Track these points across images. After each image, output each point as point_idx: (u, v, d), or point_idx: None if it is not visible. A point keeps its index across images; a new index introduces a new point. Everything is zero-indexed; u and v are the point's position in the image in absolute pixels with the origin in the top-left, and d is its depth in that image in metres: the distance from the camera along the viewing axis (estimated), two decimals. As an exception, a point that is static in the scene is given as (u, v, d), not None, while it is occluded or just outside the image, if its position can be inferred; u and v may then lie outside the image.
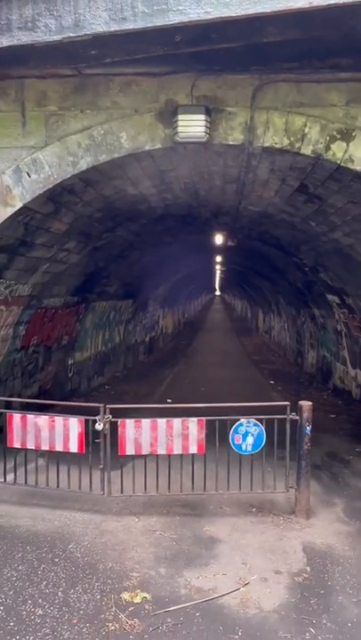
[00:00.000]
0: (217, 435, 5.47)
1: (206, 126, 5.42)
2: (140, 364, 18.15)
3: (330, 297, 12.32)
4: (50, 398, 10.34)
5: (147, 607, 3.95)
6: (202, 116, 5.40)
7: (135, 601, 4.02)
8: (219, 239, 12.41)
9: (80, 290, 10.48)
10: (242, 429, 5.37)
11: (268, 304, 23.84)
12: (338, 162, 5.53)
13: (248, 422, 5.38)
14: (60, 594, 4.10)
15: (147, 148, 5.68)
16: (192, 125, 5.42)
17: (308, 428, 5.34)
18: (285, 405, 5.46)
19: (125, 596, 4.08)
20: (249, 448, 5.40)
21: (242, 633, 3.69)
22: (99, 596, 4.07)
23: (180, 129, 5.42)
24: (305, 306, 15.63)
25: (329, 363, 14.12)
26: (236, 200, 8.34)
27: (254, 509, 5.75)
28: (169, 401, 11.88)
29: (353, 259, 8.70)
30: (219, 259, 17.63)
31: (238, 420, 5.42)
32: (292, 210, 8.12)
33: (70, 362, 11.57)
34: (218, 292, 74.70)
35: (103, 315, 13.52)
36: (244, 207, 8.88)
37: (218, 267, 22.63)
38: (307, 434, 5.35)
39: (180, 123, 5.42)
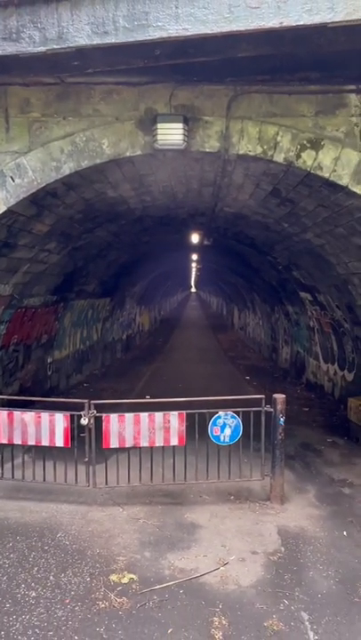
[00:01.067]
0: (196, 427, 5.81)
1: (184, 134, 5.73)
2: (117, 361, 18.38)
3: (303, 294, 12.80)
4: (30, 396, 10.54)
5: (134, 587, 4.26)
6: (180, 125, 5.71)
7: (123, 581, 4.33)
8: (195, 238, 12.75)
9: (59, 289, 10.68)
10: (220, 421, 5.72)
11: (243, 301, 24.34)
12: (308, 169, 5.91)
13: (226, 415, 5.73)
14: (51, 577, 4.38)
15: (127, 154, 5.95)
16: (171, 133, 5.72)
17: (281, 419, 5.72)
18: (261, 398, 5.84)
19: (113, 577, 4.38)
20: (227, 439, 5.75)
21: (222, 606, 4.04)
22: (88, 579, 4.37)
23: (159, 137, 5.71)
24: (279, 303, 16.12)
25: (302, 358, 14.64)
26: (212, 202, 8.68)
27: (232, 497, 6.11)
28: (148, 397, 12.19)
29: (323, 258, 9.14)
30: (195, 257, 17.99)
31: (217, 412, 5.76)
32: (266, 212, 8.51)
33: (49, 360, 11.75)
34: (193, 290, 75.21)
35: (81, 313, 13.72)
36: (220, 209, 9.23)
37: (194, 265, 22.99)
38: (280, 425, 5.73)
39: (159, 131, 5.71)
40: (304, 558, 4.79)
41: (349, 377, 11.05)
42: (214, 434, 5.75)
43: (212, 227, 11.37)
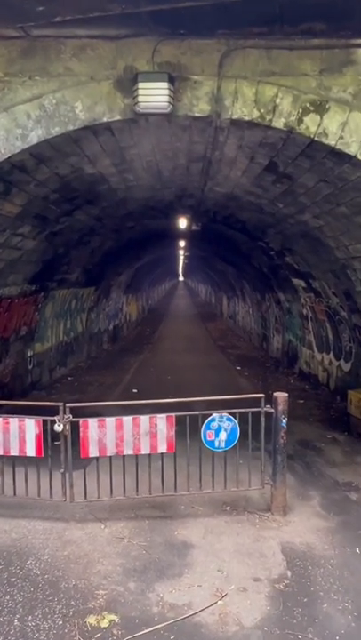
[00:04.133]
0: (188, 430, 5.03)
1: (170, 95, 4.86)
2: (104, 352, 17.54)
3: (296, 281, 12.03)
4: (9, 392, 9.69)
5: (115, 632, 3.48)
6: (165, 84, 4.83)
7: (102, 625, 3.55)
8: (183, 223, 11.87)
9: (38, 277, 9.77)
10: (214, 425, 4.94)
11: (232, 289, 23.56)
12: (311, 136, 5.08)
13: (221, 417, 4.95)
14: (16, 622, 3.58)
15: (104, 119, 5.08)
16: (154, 95, 4.84)
17: (283, 420, 4.96)
18: (260, 397, 5.06)
19: (91, 619, 3.60)
20: (222, 444, 4.98)
21: (222, 657, 3.29)
22: (61, 622, 3.58)
23: (140, 98, 4.83)
24: (270, 290, 15.35)
25: (295, 347, 13.92)
26: (201, 181, 7.82)
27: (228, 507, 5.36)
28: (135, 391, 11.40)
29: (321, 242, 8.36)
30: (182, 244, 17.12)
31: (210, 414, 4.98)
32: (260, 191, 7.67)
33: (30, 353, 10.87)
34: (181, 278, 74.28)
35: (64, 303, 12.83)
36: (209, 189, 8.38)
37: (181, 252, 22.12)
38: (282, 427, 4.97)
39: (140, 92, 4.84)
40: (315, 585, 4.05)
41: (346, 367, 10.34)
42: (208, 439, 4.96)
43: (201, 210, 10.52)
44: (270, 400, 5.11)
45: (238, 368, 14.49)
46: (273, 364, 15.17)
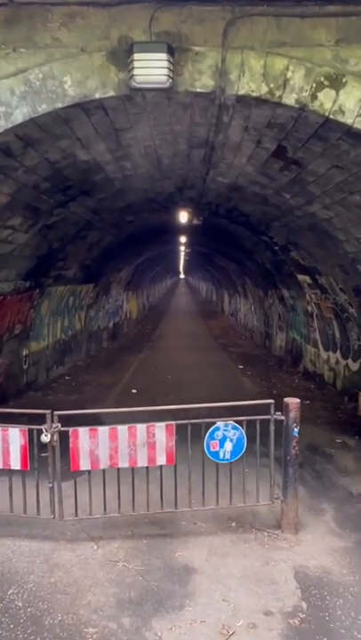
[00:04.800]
0: (189, 440, 4.50)
1: (169, 68, 4.32)
2: (103, 351, 17.02)
3: (301, 277, 11.49)
4: (3, 394, 9.18)
5: None
6: (163, 56, 4.29)
7: (90, 673, 3.04)
8: (183, 217, 11.32)
9: (33, 273, 9.23)
10: (218, 434, 4.41)
11: (233, 286, 23.00)
12: (325, 114, 4.54)
13: (226, 425, 4.42)
14: (-10, 670, 3.07)
15: (97, 95, 4.53)
16: (151, 67, 4.30)
17: (295, 429, 4.42)
18: (269, 404, 4.52)
19: (78, 666, 3.08)
20: (227, 456, 4.45)
21: None
22: (43, 670, 3.06)
23: (136, 71, 4.29)
24: (273, 287, 14.81)
25: (299, 345, 13.39)
26: (203, 170, 7.28)
27: (234, 524, 4.83)
28: (134, 391, 10.89)
29: (329, 234, 7.82)
30: (183, 240, 16.56)
31: (214, 422, 4.44)
32: (266, 180, 7.13)
33: (25, 352, 10.34)
34: (182, 275, 73.64)
35: (61, 300, 12.29)
36: (211, 179, 7.84)
37: (182, 248, 21.55)
38: (294, 436, 4.43)
39: (136, 64, 4.30)
40: (334, 621, 3.52)
41: (354, 366, 9.80)
42: (212, 450, 4.43)
43: (203, 203, 9.98)
44: (280, 406, 4.57)
45: (241, 367, 13.96)
46: (276, 363, 14.64)
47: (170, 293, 57.17)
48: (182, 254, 26.55)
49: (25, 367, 10.41)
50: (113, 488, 4.60)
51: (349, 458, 6.80)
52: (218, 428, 4.40)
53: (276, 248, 11.37)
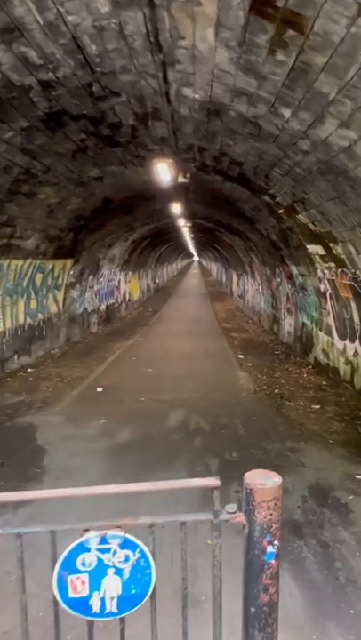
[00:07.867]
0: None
1: None
2: (90, 336, 14.61)
3: (311, 248, 8.79)
4: None
5: None
6: None
7: None
8: (165, 172, 8.63)
9: None
10: (89, 559, 1.82)
11: (241, 265, 20.28)
12: None
13: (112, 537, 1.82)
14: None
15: None
16: None
17: (272, 548, 1.82)
18: (215, 487, 1.88)
19: None
20: (113, 606, 1.86)
21: None
22: None
23: None
24: (281, 263, 12.11)
25: (310, 332, 10.71)
26: (157, 70, 4.61)
27: None
28: (99, 390, 8.41)
29: (348, 175, 5.14)
30: (178, 209, 13.86)
31: (85, 531, 1.84)
32: (253, 81, 4.44)
33: None
34: (196, 258, 70.76)
35: (21, 277, 9.84)
36: (177, 93, 5.17)
37: (182, 222, 18.82)
38: (270, 562, 1.82)
39: None
40: None
41: (379, 362, 7.16)
42: (71, 595, 1.85)
43: (183, 147, 7.31)
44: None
45: (240, 357, 11.36)
46: (283, 352, 12.01)
47: (181, 275, 54.43)
48: (186, 231, 23.77)
49: None
50: None
51: (378, 512, 4.21)
52: (86, 548, 1.80)
53: (281, 211, 8.66)
